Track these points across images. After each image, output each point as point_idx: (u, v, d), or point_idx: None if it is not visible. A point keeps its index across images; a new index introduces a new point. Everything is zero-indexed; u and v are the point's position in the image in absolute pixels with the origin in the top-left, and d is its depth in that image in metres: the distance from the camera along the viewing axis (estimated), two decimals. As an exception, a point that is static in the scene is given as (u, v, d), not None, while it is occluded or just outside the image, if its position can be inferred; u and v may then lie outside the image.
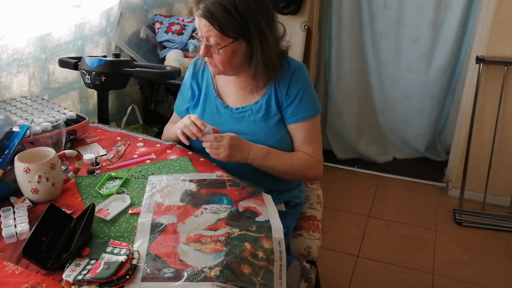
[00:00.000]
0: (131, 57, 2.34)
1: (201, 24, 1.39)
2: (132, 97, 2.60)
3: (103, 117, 1.91)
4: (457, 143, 2.92)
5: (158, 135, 2.04)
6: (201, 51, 1.43)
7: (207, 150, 1.40)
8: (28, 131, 1.40)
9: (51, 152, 1.24)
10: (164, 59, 2.46)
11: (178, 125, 1.46)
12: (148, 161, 1.48)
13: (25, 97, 1.77)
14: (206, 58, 1.46)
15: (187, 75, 1.65)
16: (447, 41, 2.96)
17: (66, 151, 1.30)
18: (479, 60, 2.54)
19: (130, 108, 2.37)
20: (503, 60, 2.52)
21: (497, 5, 2.46)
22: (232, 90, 1.57)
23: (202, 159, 1.50)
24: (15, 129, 1.36)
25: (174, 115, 1.72)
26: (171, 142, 1.59)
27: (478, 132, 2.71)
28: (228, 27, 1.36)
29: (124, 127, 2.37)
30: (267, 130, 1.51)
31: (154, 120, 2.56)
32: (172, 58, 2.39)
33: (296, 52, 2.75)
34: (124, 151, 1.52)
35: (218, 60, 1.43)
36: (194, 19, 2.61)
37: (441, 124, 3.28)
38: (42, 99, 1.77)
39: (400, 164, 3.32)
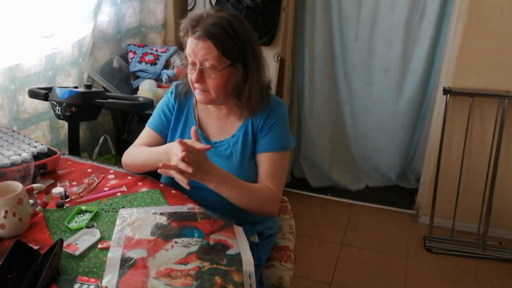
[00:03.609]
0: (103, 87, 2.34)
1: (197, 48, 1.37)
2: (105, 126, 2.58)
3: (74, 148, 1.89)
4: (426, 171, 2.99)
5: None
6: (195, 77, 1.40)
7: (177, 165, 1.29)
8: (-5, 164, 1.37)
9: (18, 186, 1.22)
10: (137, 89, 2.46)
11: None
12: (119, 193, 1.46)
13: (-5, 128, 1.75)
14: (196, 85, 1.43)
15: (168, 97, 1.62)
16: (416, 73, 3.05)
17: (34, 185, 1.28)
18: (446, 91, 2.62)
19: (102, 138, 2.35)
20: (468, 92, 2.60)
21: (463, 39, 2.56)
22: (212, 122, 1.57)
23: (173, 191, 1.49)
24: (-18, 162, 1.34)
25: (147, 133, 1.63)
26: (142, 175, 1.58)
27: (446, 160, 2.77)
28: (228, 49, 1.37)
29: (96, 157, 2.34)
30: (242, 164, 1.51)
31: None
32: (146, 88, 2.39)
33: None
34: (97, 184, 1.50)
35: (212, 85, 1.41)
36: (167, 49, 2.64)
37: (411, 152, 3.35)
38: (13, 130, 1.74)
39: (372, 192, 3.37)
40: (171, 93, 1.62)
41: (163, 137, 1.62)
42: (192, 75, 1.43)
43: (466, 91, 2.61)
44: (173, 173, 1.28)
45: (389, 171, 3.38)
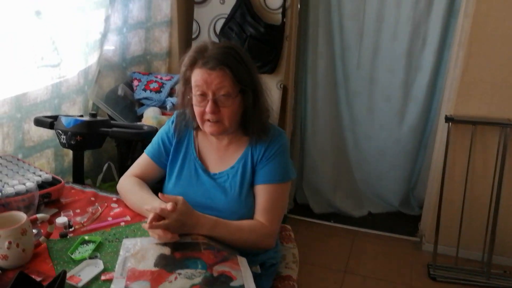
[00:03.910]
0: (108, 115, 2.36)
1: (210, 77, 1.38)
2: (109, 153, 2.59)
3: (78, 176, 1.89)
4: (429, 199, 2.98)
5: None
6: (210, 108, 1.40)
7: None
8: (0, 193, 1.38)
9: (22, 216, 1.23)
10: (141, 116, 2.48)
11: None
12: (123, 223, 1.46)
13: (0, 157, 1.76)
14: (209, 116, 1.42)
15: (168, 126, 1.63)
16: (418, 100, 3.07)
17: (38, 215, 1.28)
18: (448, 119, 2.64)
19: (106, 165, 2.36)
20: (470, 120, 2.62)
21: (464, 67, 2.58)
22: (213, 153, 1.58)
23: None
24: (-13, 192, 1.35)
25: (144, 161, 1.64)
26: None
27: (449, 188, 2.77)
28: (240, 75, 1.40)
29: (99, 184, 2.35)
30: (241, 196, 1.50)
31: (130, 177, 2.54)
32: (150, 116, 2.41)
33: (272, 109, 2.81)
34: (100, 214, 1.50)
35: (227, 113, 1.42)
36: (172, 77, 2.67)
37: (414, 179, 3.35)
38: (18, 159, 1.76)
39: (375, 219, 3.35)
40: (172, 122, 1.63)
41: (160, 166, 1.63)
42: (202, 107, 1.43)
43: (468, 119, 2.63)
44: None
45: (392, 197, 3.37)
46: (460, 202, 2.76)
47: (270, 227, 1.48)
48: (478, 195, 2.75)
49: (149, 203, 1.42)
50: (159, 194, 1.37)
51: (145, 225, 1.32)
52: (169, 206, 1.31)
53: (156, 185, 1.66)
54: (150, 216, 1.31)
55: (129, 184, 1.60)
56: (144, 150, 1.67)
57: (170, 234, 1.31)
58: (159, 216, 1.31)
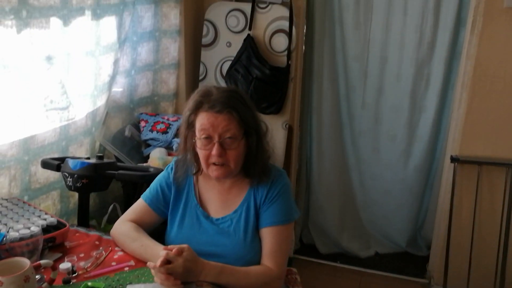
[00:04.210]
0: (115, 156, 2.38)
1: (217, 120, 1.40)
2: (114, 193, 2.60)
3: (83, 219, 1.90)
4: (437, 239, 2.94)
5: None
6: (217, 150, 1.41)
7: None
8: (4, 238, 1.38)
9: (26, 263, 1.22)
10: (148, 157, 2.50)
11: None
12: (127, 268, 1.45)
13: (6, 199, 1.77)
14: (215, 159, 1.43)
15: (167, 173, 1.63)
16: (423, 140, 3.08)
17: (42, 262, 1.28)
18: (453, 159, 2.63)
19: (111, 206, 2.36)
20: (476, 160, 2.61)
21: (468, 108, 2.60)
22: (215, 198, 1.57)
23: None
24: (-9, 237, 1.35)
25: (141, 207, 1.62)
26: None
27: (457, 228, 2.74)
28: (245, 117, 1.43)
29: (104, 225, 2.34)
30: (246, 241, 1.49)
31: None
32: (156, 157, 2.43)
33: (278, 149, 2.83)
34: (104, 258, 1.50)
35: (233, 156, 1.44)
36: (178, 118, 2.70)
37: (421, 219, 3.32)
38: (23, 202, 1.77)
39: (382, 259, 3.30)
40: (171, 169, 1.62)
41: (158, 213, 1.62)
42: (207, 151, 1.44)
43: (473, 160, 2.62)
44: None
45: (399, 238, 3.33)
46: (469, 243, 2.72)
47: (277, 271, 1.47)
48: (486, 235, 2.72)
49: (151, 249, 1.43)
50: (163, 248, 1.35)
51: (151, 264, 1.31)
52: (174, 250, 1.31)
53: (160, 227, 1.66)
54: (160, 259, 1.29)
55: (126, 230, 1.56)
56: (141, 195, 1.65)
57: (173, 281, 1.29)
58: (167, 261, 1.30)
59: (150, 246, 1.47)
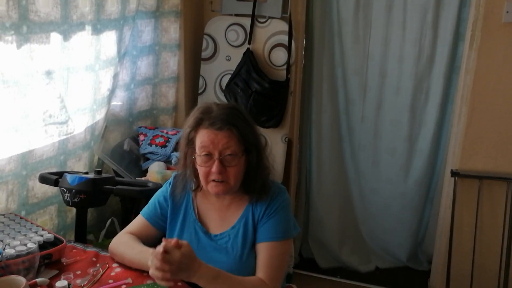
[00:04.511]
0: (113, 170, 2.37)
1: (217, 138, 1.40)
2: (112, 207, 2.58)
3: (80, 234, 1.88)
4: (438, 254, 2.92)
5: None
6: (217, 167, 1.40)
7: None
8: (0, 255, 1.36)
9: (21, 281, 1.21)
10: (146, 171, 2.49)
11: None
12: (124, 286, 1.43)
13: (3, 215, 1.75)
14: (215, 176, 1.43)
15: (166, 188, 1.62)
16: (423, 154, 3.07)
17: (38, 280, 1.27)
18: (454, 173, 2.62)
19: (109, 221, 2.34)
20: (476, 175, 2.60)
21: (468, 122, 2.60)
22: (213, 214, 1.56)
23: (180, 284, 1.46)
24: (-13, 255, 1.34)
25: (140, 222, 1.61)
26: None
27: (458, 243, 2.72)
28: (245, 134, 1.43)
29: (102, 240, 2.33)
30: (242, 257, 1.48)
31: (133, 232, 2.52)
32: (155, 170, 2.42)
33: (277, 162, 2.82)
34: (101, 275, 1.48)
35: (233, 173, 1.43)
36: (177, 132, 2.70)
37: (421, 233, 3.30)
38: (20, 217, 1.75)
39: (382, 274, 3.27)
40: (170, 184, 1.62)
41: (157, 228, 1.61)
42: (207, 168, 1.43)
43: (474, 174, 2.61)
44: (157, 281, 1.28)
45: (399, 252, 3.31)
46: (470, 257, 2.70)
47: (271, 285, 1.44)
48: (487, 250, 2.70)
49: (149, 254, 1.40)
50: (163, 238, 1.31)
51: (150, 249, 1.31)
52: (173, 241, 1.28)
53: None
54: (159, 248, 1.27)
55: (125, 240, 1.56)
56: (140, 212, 1.65)
57: (167, 269, 1.25)
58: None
59: (149, 252, 1.44)
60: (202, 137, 1.43)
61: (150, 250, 1.44)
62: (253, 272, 1.48)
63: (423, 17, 2.87)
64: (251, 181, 1.50)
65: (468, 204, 2.68)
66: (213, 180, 1.45)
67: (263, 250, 1.48)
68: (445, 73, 2.91)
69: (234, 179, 1.45)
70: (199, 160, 1.45)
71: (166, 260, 1.25)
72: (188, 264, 1.30)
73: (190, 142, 1.48)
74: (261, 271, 1.46)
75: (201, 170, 1.47)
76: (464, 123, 2.62)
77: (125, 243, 1.55)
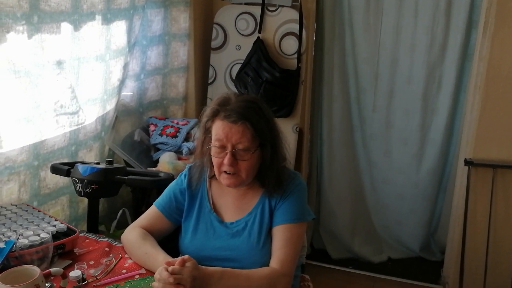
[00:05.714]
0: (124, 160, 2.36)
1: (231, 131, 1.40)
2: (124, 198, 2.58)
3: (93, 225, 1.88)
4: (451, 244, 2.89)
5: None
6: (228, 160, 1.41)
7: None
8: (14, 246, 1.36)
9: (36, 271, 1.21)
10: (157, 161, 2.48)
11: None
12: (137, 276, 1.43)
13: (16, 205, 1.75)
14: (226, 168, 1.43)
15: (181, 180, 1.62)
16: (436, 143, 3.03)
17: (52, 270, 1.26)
18: (467, 162, 2.59)
19: (121, 211, 2.34)
20: (490, 163, 2.56)
21: (481, 110, 2.55)
22: (229, 202, 1.56)
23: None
24: (0, 245, 1.33)
25: (153, 214, 1.60)
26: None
27: (471, 233, 2.69)
28: (260, 130, 1.41)
29: (113, 230, 2.33)
30: (260, 243, 1.48)
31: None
32: (166, 161, 2.41)
33: (288, 153, 2.79)
34: (114, 266, 1.48)
35: (245, 167, 1.43)
36: (188, 122, 2.68)
37: (434, 224, 3.27)
38: (33, 208, 1.75)
39: (395, 265, 3.26)
40: (185, 176, 1.61)
41: (171, 220, 1.60)
42: (220, 159, 1.44)
43: (488, 163, 2.57)
44: None
45: (412, 242, 3.28)
46: (484, 247, 2.66)
47: (281, 269, 1.43)
48: (502, 240, 2.66)
49: (154, 259, 1.41)
50: (165, 262, 1.31)
51: (155, 284, 1.29)
52: (177, 262, 1.29)
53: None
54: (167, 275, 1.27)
55: (133, 237, 1.54)
56: (154, 203, 1.64)
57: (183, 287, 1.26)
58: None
59: (153, 255, 1.44)
60: (217, 129, 1.43)
61: (155, 253, 1.44)
62: (270, 257, 1.46)
63: (436, 4, 2.82)
64: (265, 174, 1.49)
65: (482, 194, 2.64)
66: (225, 172, 1.45)
67: (278, 232, 1.47)
68: (458, 61, 2.86)
69: (245, 172, 1.44)
70: (213, 150, 1.45)
71: (178, 280, 1.26)
72: (198, 275, 1.30)
73: (207, 131, 1.49)
74: (275, 255, 1.45)
75: (214, 160, 1.47)
76: (477, 111, 2.57)
77: (133, 241, 1.53)
